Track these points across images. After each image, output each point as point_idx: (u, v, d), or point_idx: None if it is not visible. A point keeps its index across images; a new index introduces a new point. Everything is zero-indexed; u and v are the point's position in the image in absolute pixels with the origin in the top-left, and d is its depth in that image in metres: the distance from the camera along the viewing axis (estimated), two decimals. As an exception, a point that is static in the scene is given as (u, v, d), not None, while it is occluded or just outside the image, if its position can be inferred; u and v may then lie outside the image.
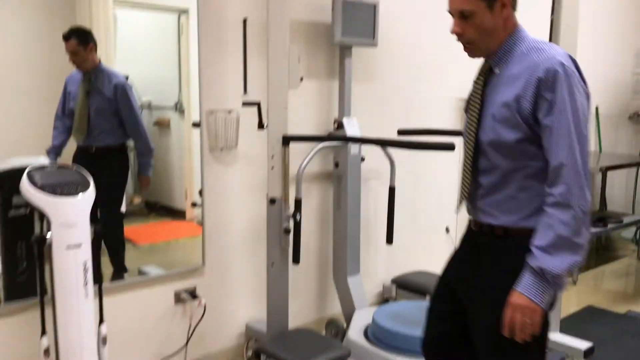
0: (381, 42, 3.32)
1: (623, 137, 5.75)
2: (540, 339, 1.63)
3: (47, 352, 2.11)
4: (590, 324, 3.64)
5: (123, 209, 2.85)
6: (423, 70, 3.76)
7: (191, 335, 2.83)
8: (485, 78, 1.71)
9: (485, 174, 1.69)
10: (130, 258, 2.75)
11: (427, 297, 3.42)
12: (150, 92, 2.82)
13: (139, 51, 2.79)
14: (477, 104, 1.71)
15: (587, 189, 1.53)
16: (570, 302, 4.02)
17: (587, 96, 1.60)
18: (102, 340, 2.21)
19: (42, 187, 2.04)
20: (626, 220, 4.81)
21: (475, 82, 1.75)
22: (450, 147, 2.37)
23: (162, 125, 2.88)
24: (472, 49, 1.72)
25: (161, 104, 2.87)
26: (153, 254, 2.85)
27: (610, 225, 4.59)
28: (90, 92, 2.56)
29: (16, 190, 2.27)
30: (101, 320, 2.23)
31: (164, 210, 2.95)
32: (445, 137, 3.68)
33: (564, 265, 1.50)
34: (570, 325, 3.42)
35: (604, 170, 4.69)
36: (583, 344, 2.85)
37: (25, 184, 2.05)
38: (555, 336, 2.94)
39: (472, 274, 1.74)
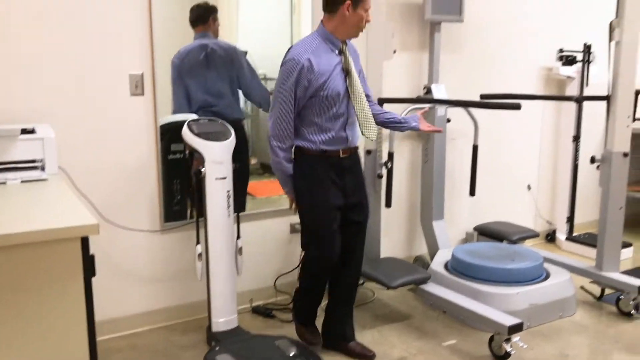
0: (467, 18, 3.79)
1: None
2: None
3: (200, 256, 2.87)
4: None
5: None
6: (506, 42, 4.18)
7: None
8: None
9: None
10: (250, 208, 3.38)
11: (505, 242, 3.91)
12: (266, 65, 3.38)
13: (257, 29, 3.34)
14: None
15: None
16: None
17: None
18: (239, 251, 2.94)
19: (199, 134, 2.76)
20: None
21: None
22: (516, 106, 2.86)
23: (276, 94, 3.50)
24: None
25: (275, 76, 3.43)
26: (269, 204, 3.47)
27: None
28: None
29: (174, 139, 3.04)
30: (238, 236, 2.96)
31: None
32: (523, 103, 4.11)
33: None
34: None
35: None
36: (638, 282, 3.24)
37: (186, 132, 2.77)
38: (614, 275, 3.36)
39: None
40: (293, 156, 2.66)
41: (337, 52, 2.57)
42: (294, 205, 2.76)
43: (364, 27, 2.58)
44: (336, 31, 2.55)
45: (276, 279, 3.46)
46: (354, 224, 2.77)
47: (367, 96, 2.77)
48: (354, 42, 2.72)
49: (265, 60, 3.36)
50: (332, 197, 2.64)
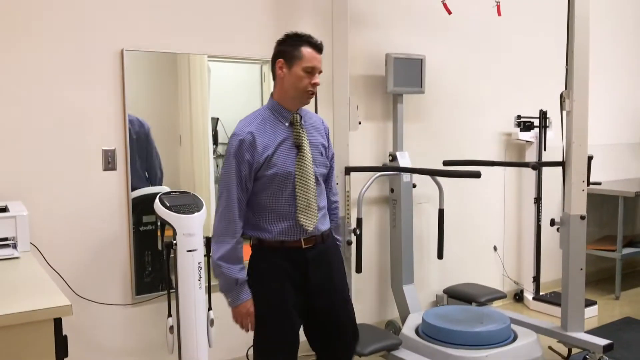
0: (428, 89, 3.98)
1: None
2: None
3: (171, 329, 2.87)
4: (625, 331, 4.07)
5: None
6: (465, 110, 4.39)
7: None
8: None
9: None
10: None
11: (474, 304, 3.98)
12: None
13: (228, 97, 3.47)
14: None
15: None
16: (611, 313, 4.45)
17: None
18: (210, 322, 2.95)
19: (170, 208, 2.82)
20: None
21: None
22: (476, 175, 2.99)
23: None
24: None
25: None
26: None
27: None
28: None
29: (145, 211, 3.09)
30: (210, 308, 2.97)
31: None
32: (485, 167, 4.27)
33: None
34: (605, 331, 3.89)
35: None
36: (602, 341, 3.33)
37: (158, 205, 2.83)
38: (579, 335, 3.44)
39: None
40: (250, 250, 2.33)
41: (287, 124, 2.27)
42: (246, 322, 2.32)
43: (312, 91, 2.25)
44: (282, 99, 2.28)
45: (248, 350, 3.45)
46: (333, 340, 2.36)
47: (326, 182, 2.44)
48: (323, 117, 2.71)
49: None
50: (289, 299, 2.25)
